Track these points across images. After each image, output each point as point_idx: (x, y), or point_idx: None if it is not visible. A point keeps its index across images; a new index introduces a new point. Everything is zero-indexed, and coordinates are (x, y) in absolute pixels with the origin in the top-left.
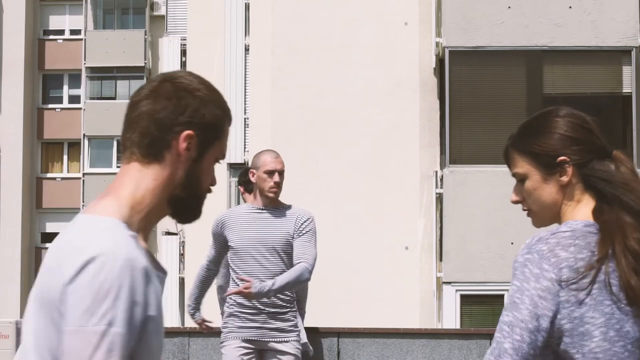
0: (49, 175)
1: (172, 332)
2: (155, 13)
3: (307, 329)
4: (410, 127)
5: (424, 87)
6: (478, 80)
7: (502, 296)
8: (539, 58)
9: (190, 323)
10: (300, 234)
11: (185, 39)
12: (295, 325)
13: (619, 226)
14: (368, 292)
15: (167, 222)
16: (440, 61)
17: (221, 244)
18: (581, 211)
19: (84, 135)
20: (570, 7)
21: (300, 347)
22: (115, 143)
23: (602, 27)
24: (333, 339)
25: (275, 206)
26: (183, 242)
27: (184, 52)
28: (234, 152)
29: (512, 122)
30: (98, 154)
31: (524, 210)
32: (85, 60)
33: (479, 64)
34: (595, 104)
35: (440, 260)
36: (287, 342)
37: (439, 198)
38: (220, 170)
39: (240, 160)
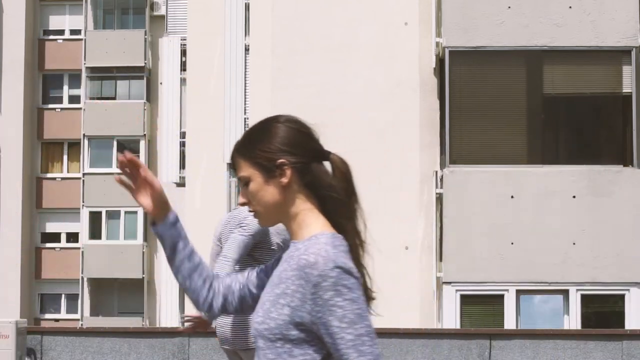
0: (49, 175)
1: (172, 332)
2: (155, 13)
3: None
4: (410, 127)
5: (424, 87)
6: (478, 80)
7: (502, 296)
8: (539, 58)
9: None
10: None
11: (185, 39)
12: None
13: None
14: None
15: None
16: (440, 61)
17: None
18: (320, 220)
19: (84, 135)
20: (570, 7)
21: None
22: (115, 143)
23: (602, 27)
24: None
25: None
26: None
27: (184, 52)
28: None
29: (512, 122)
30: (98, 154)
31: (250, 212)
32: (85, 60)
33: (479, 64)
34: (595, 104)
35: (440, 260)
36: None
37: (439, 198)
38: (220, 170)
39: None
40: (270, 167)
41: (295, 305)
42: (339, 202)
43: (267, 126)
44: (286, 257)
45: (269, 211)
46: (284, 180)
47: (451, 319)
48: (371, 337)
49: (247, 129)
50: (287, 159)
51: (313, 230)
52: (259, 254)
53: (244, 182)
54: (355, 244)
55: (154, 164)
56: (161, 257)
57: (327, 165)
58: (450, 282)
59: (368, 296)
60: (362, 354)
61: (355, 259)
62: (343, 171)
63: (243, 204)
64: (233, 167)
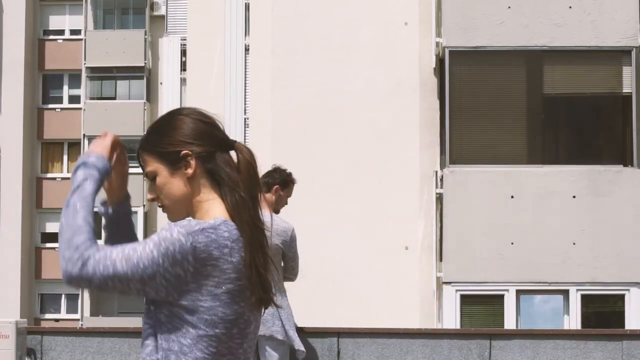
0: (49, 175)
1: None
2: (155, 13)
3: (308, 329)
4: (410, 127)
5: (424, 87)
6: (478, 80)
7: (502, 296)
8: (539, 58)
9: None
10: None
11: (185, 39)
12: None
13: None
14: (368, 292)
15: (166, 222)
16: (440, 61)
17: None
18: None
19: (84, 135)
20: (570, 7)
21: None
22: None
23: (602, 27)
24: (333, 339)
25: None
26: None
27: (184, 52)
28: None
29: (512, 122)
30: None
31: (159, 207)
32: (85, 60)
33: (479, 64)
34: (595, 104)
35: (440, 260)
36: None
37: (439, 198)
38: None
39: None
40: (175, 159)
41: None
42: (236, 193)
43: (169, 119)
44: None
45: (176, 204)
46: (189, 171)
47: (451, 319)
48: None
49: (151, 124)
50: (191, 150)
51: (213, 216)
52: None
53: (151, 177)
54: (252, 236)
55: None
56: None
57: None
58: (450, 282)
59: (258, 298)
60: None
61: (250, 252)
62: (248, 160)
63: (152, 200)
64: (139, 164)
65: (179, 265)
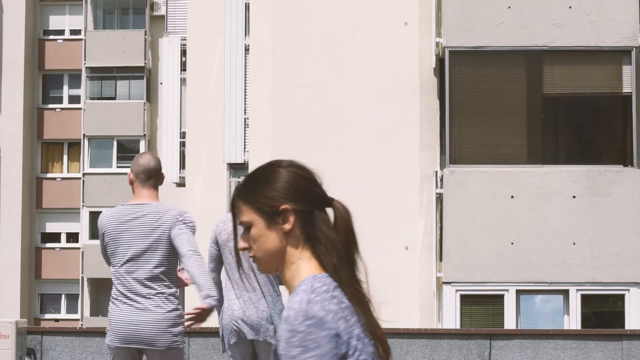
0: (49, 175)
1: None
2: (155, 13)
3: None
4: (410, 127)
5: (424, 87)
6: (478, 80)
7: (502, 296)
8: (539, 58)
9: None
10: None
11: (185, 39)
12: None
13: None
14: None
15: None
16: (440, 61)
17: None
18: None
19: (84, 135)
20: (570, 7)
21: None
22: (115, 143)
23: (602, 27)
24: None
25: None
26: None
27: (184, 52)
28: (234, 152)
29: (512, 122)
30: (98, 154)
31: (250, 256)
32: (85, 60)
33: (479, 64)
34: (595, 104)
35: (440, 260)
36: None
37: (439, 198)
38: (220, 170)
39: (240, 161)
40: (273, 213)
41: None
42: (335, 253)
43: (269, 171)
44: None
45: (269, 258)
46: (287, 226)
47: (451, 319)
48: None
49: (248, 173)
50: (290, 206)
51: (302, 278)
52: None
53: (246, 227)
54: (353, 294)
55: None
56: None
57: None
58: (450, 282)
59: (378, 352)
60: None
61: (356, 307)
62: (345, 219)
63: (243, 249)
64: (233, 211)
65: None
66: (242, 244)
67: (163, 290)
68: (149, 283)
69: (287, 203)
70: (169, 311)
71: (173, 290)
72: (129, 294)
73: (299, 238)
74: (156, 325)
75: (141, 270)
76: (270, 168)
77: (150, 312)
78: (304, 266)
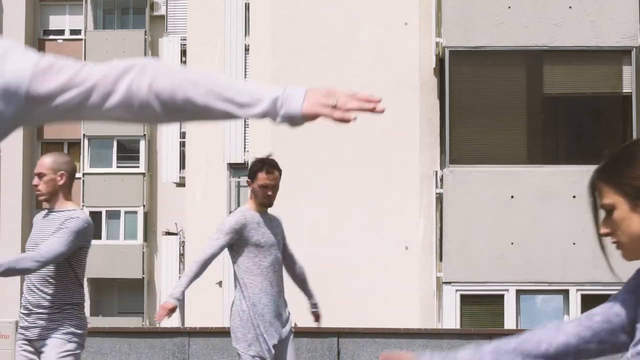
0: None
1: (172, 332)
2: (155, 13)
3: (308, 329)
4: (410, 127)
5: (424, 87)
6: (478, 80)
7: (502, 296)
8: (539, 58)
9: (190, 323)
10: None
11: (185, 39)
12: (62, 325)
13: None
14: (368, 292)
15: (167, 223)
16: (440, 61)
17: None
18: None
19: (84, 135)
20: (570, 7)
21: (70, 345)
22: (115, 143)
23: (602, 27)
24: (333, 339)
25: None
26: (183, 242)
27: (184, 52)
28: (234, 152)
29: (512, 122)
30: (98, 154)
31: (613, 242)
32: (85, 60)
33: (479, 64)
34: (595, 104)
35: (440, 260)
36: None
37: (439, 198)
38: (220, 170)
39: (240, 160)
40: (637, 195)
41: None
42: None
43: (633, 150)
44: None
45: (635, 242)
46: None
47: (451, 319)
48: None
49: (611, 153)
50: None
51: None
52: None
53: (608, 210)
54: None
55: (154, 164)
56: (161, 257)
57: None
58: (450, 282)
59: None
60: None
61: None
62: None
63: (605, 235)
64: (593, 192)
65: None
66: (603, 229)
67: None
68: None
69: None
70: None
71: None
72: None
73: None
74: None
75: None
76: (634, 147)
77: None
78: None
